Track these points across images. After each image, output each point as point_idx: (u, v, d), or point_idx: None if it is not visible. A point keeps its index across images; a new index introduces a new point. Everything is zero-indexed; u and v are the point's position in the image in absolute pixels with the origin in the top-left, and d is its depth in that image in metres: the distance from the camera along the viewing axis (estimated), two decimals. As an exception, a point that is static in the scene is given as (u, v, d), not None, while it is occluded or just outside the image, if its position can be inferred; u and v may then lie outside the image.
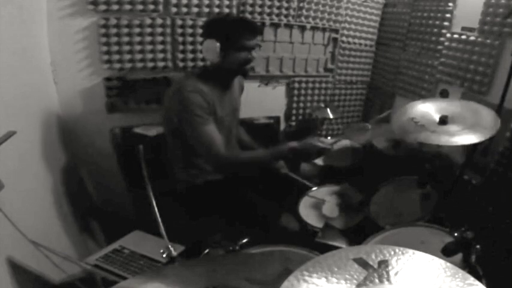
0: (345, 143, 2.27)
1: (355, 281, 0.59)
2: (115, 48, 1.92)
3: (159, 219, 0.96)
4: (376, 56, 2.97)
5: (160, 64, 2.07)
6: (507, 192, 1.76)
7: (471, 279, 0.58)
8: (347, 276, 0.60)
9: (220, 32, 1.54)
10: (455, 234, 1.09)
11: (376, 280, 0.59)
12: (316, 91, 2.76)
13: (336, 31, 2.66)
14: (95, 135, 2.05)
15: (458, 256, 0.96)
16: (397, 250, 0.65)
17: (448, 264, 0.62)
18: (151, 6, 1.94)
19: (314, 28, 2.54)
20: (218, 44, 1.51)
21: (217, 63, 1.57)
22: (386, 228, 1.32)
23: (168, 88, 1.62)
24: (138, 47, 1.98)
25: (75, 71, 1.90)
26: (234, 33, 1.55)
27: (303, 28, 2.49)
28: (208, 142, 1.51)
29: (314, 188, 1.80)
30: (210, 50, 1.54)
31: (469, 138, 1.33)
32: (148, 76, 2.07)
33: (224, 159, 1.53)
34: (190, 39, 2.11)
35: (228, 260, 0.96)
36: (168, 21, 2.01)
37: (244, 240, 1.17)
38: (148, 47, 2.01)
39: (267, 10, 2.30)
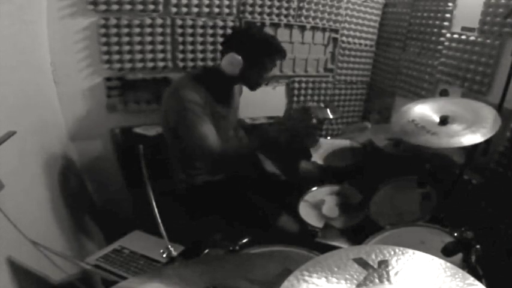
0: (344, 143, 2.27)
1: (355, 281, 0.59)
2: (115, 48, 1.92)
3: (159, 219, 0.96)
4: (376, 56, 2.97)
5: (160, 64, 2.07)
6: (507, 192, 1.76)
7: (471, 279, 0.59)
8: (347, 276, 0.60)
9: (248, 48, 1.53)
10: (455, 234, 1.09)
11: (376, 280, 0.59)
12: (316, 91, 2.76)
13: (336, 31, 2.66)
14: (95, 135, 2.05)
15: (458, 256, 0.96)
16: (397, 250, 0.65)
17: (448, 264, 0.62)
18: (151, 6, 1.94)
19: (314, 28, 2.54)
20: (242, 61, 1.51)
21: (233, 74, 1.56)
22: (386, 228, 1.32)
23: (166, 88, 1.62)
24: (138, 47, 1.98)
25: (75, 71, 1.90)
26: (264, 54, 1.54)
27: (303, 28, 2.49)
28: (204, 139, 1.49)
29: (314, 188, 1.80)
30: (232, 64, 1.52)
31: (471, 138, 1.33)
32: (148, 76, 2.07)
33: (219, 154, 1.51)
34: (190, 39, 2.11)
35: (228, 260, 0.96)
36: (168, 21, 2.01)
37: (244, 240, 1.17)
38: (148, 47, 2.01)
39: (267, 10, 2.30)
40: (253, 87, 1.68)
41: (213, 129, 1.53)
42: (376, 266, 0.62)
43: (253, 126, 2.33)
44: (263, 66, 1.56)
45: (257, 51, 1.53)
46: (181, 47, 2.10)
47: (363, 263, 0.62)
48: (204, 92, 1.53)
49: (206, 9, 2.09)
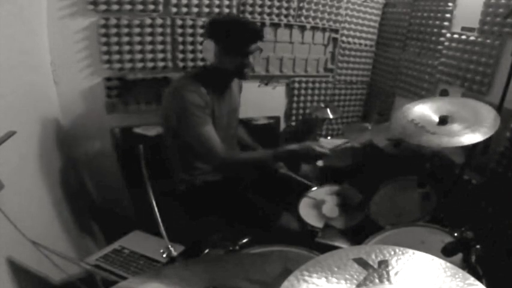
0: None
1: (355, 281, 0.59)
2: (115, 48, 1.92)
3: (159, 219, 0.96)
4: (376, 56, 2.97)
5: (160, 64, 2.07)
6: (507, 192, 1.76)
7: (471, 279, 0.58)
8: (347, 276, 0.60)
9: (217, 33, 1.54)
10: (455, 234, 1.09)
11: (376, 280, 0.59)
12: (316, 91, 2.76)
13: (336, 31, 2.66)
14: (95, 135, 2.05)
15: (458, 256, 0.96)
16: (397, 250, 0.65)
17: (448, 264, 0.62)
18: (151, 6, 1.94)
19: (314, 28, 2.54)
20: (214, 45, 1.51)
21: (214, 64, 1.57)
22: (386, 228, 1.32)
23: (166, 88, 1.61)
24: (138, 47, 1.98)
25: (75, 71, 1.90)
26: (231, 36, 1.53)
27: (303, 28, 2.49)
28: (207, 142, 1.50)
29: (314, 188, 1.80)
30: (207, 50, 1.54)
31: (470, 138, 1.33)
32: (148, 76, 2.07)
33: (223, 159, 1.53)
34: (190, 39, 2.11)
35: (228, 260, 0.96)
36: (168, 21, 2.01)
37: (244, 240, 1.17)
38: (148, 47, 2.01)
39: (267, 10, 2.30)
40: (238, 74, 1.65)
41: (215, 131, 1.54)
42: (376, 266, 0.62)
43: (255, 126, 2.33)
44: (237, 50, 1.55)
45: (228, 34, 1.53)
46: (181, 47, 2.11)
47: (363, 263, 0.62)
48: (203, 91, 1.53)
49: (206, 9, 2.09)
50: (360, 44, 2.85)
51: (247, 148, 1.91)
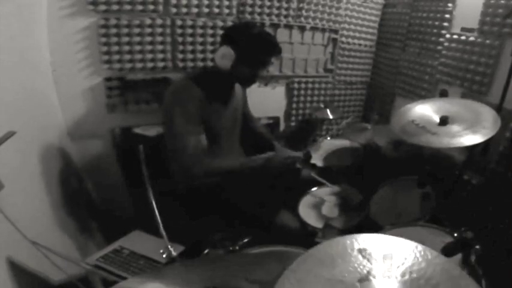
0: (344, 143, 2.27)
1: (356, 275, 0.59)
2: (115, 48, 1.92)
3: (159, 219, 0.96)
4: (376, 56, 2.97)
5: (160, 64, 2.07)
6: (507, 192, 1.76)
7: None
8: (350, 268, 0.60)
9: (241, 42, 1.51)
10: (455, 234, 1.09)
11: (376, 276, 0.59)
12: (316, 91, 2.76)
13: (336, 31, 2.66)
14: (95, 135, 2.05)
15: (458, 256, 0.96)
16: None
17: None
18: (151, 7, 1.94)
19: (314, 28, 2.54)
20: (234, 54, 1.49)
21: (224, 70, 1.55)
22: (386, 228, 1.32)
23: (167, 88, 1.61)
24: (138, 47, 1.98)
25: (75, 71, 1.90)
26: (256, 48, 1.52)
27: (302, 28, 2.49)
28: (181, 149, 1.47)
29: (314, 188, 1.80)
30: (224, 57, 1.51)
31: (471, 139, 1.33)
32: (148, 76, 2.07)
33: (194, 172, 1.49)
34: (190, 39, 2.11)
35: (228, 260, 0.96)
36: (168, 22, 2.01)
37: (244, 240, 1.17)
38: (148, 47, 2.01)
39: (267, 10, 2.30)
40: (245, 83, 1.66)
41: (200, 141, 1.51)
42: (376, 262, 0.62)
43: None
44: (256, 62, 1.55)
45: (250, 45, 1.52)
46: (181, 47, 2.10)
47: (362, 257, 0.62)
48: (201, 94, 1.52)
49: (206, 10, 2.09)
50: (360, 45, 2.85)
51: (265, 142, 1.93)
